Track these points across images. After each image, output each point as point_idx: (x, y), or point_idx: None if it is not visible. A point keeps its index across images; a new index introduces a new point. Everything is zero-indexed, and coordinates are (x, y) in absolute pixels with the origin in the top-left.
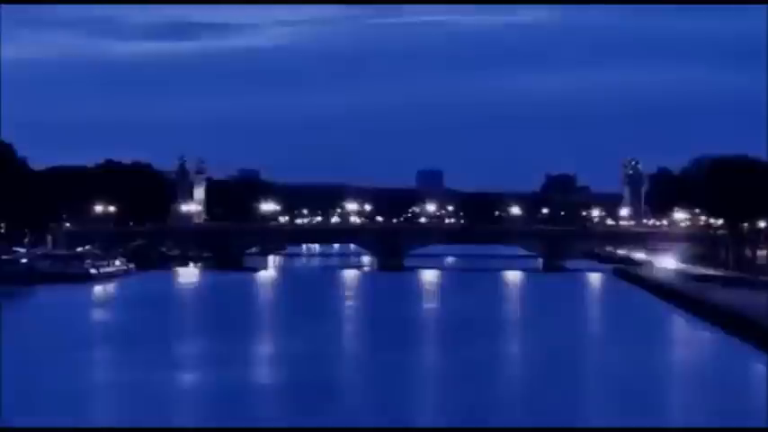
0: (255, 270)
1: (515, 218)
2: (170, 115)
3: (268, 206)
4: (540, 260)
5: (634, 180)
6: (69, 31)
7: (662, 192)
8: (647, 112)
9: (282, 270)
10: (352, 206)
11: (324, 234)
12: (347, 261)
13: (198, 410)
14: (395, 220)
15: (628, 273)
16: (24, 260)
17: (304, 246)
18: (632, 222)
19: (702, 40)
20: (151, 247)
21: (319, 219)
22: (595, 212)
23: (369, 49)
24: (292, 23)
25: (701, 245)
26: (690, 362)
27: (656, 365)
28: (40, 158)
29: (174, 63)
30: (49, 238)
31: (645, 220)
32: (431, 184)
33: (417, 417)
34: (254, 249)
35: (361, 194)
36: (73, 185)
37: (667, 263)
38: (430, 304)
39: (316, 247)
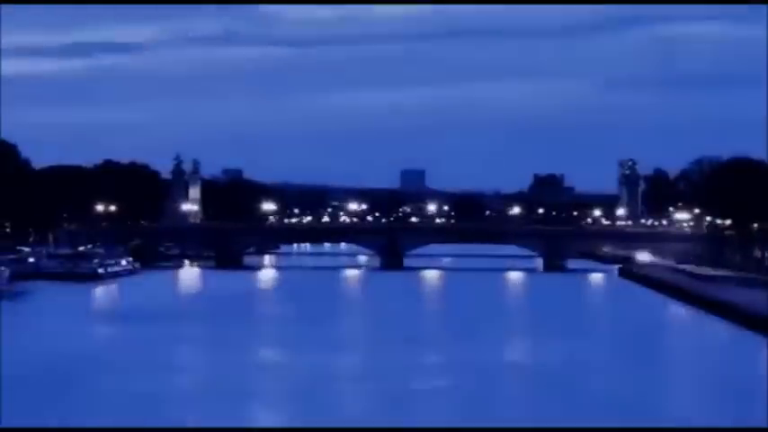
0: (257, 269)
1: (510, 217)
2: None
3: (269, 206)
4: (540, 260)
5: (631, 180)
6: None
7: (661, 192)
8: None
9: (286, 270)
10: (353, 206)
11: (324, 234)
12: (346, 261)
13: None
14: (384, 221)
15: (637, 274)
16: (32, 259)
17: (294, 245)
18: (629, 222)
19: None
20: (152, 246)
21: (309, 219)
22: (593, 213)
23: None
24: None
25: (706, 245)
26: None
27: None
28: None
29: None
30: (51, 237)
31: (642, 221)
32: (414, 184)
33: None
34: (250, 249)
35: (347, 195)
36: (72, 185)
37: (671, 263)
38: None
39: (307, 246)
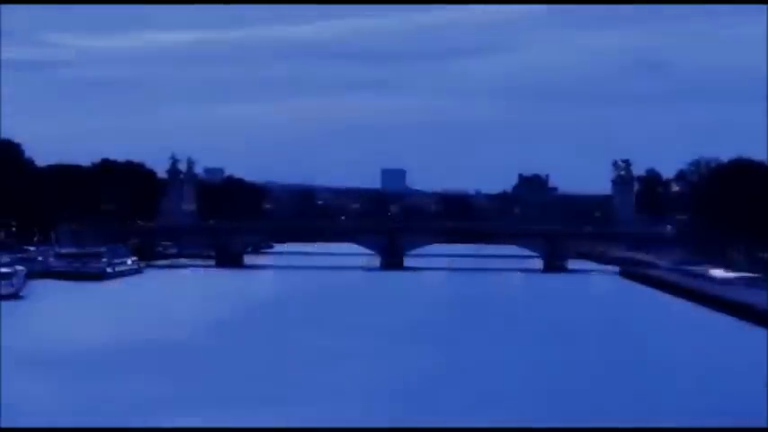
0: (259, 269)
1: (500, 217)
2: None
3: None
4: (541, 260)
5: (626, 181)
6: None
7: (655, 193)
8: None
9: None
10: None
11: (324, 233)
12: (345, 260)
13: None
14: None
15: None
16: (40, 258)
17: (286, 245)
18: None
19: None
20: (152, 245)
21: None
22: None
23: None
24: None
25: (708, 247)
26: None
27: None
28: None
29: None
30: (53, 236)
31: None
32: (395, 183)
33: None
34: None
35: (334, 194)
36: (72, 184)
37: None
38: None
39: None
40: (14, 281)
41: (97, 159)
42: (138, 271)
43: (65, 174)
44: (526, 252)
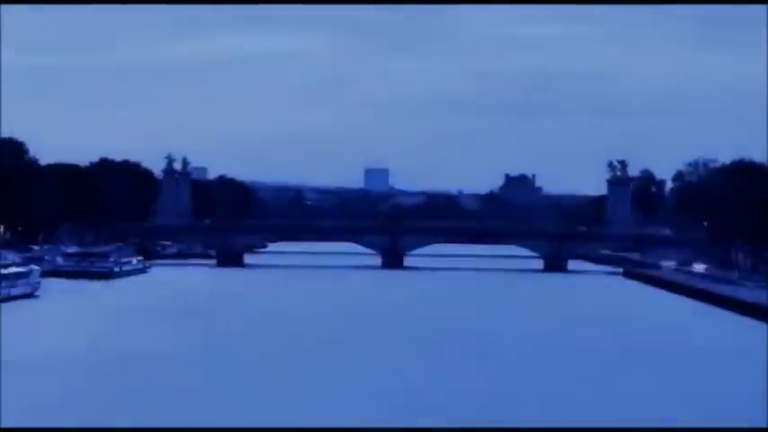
0: (262, 268)
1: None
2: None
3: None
4: (542, 261)
5: (622, 182)
6: None
7: (651, 194)
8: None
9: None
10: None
11: (324, 233)
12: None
13: None
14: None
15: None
16: (47, 258)
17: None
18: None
19: None
20: (153, 244)
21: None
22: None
23: None
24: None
25: (710, 248)
26: None
27: None
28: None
29: None
30: (56, 235)
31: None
32: (378, 183)
33: None
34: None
35: (319, 194)
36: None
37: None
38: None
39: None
40: (30, 280)
41: (95, 158)
42: (143, 270)
43: (65, 173)
44: (525, 252)
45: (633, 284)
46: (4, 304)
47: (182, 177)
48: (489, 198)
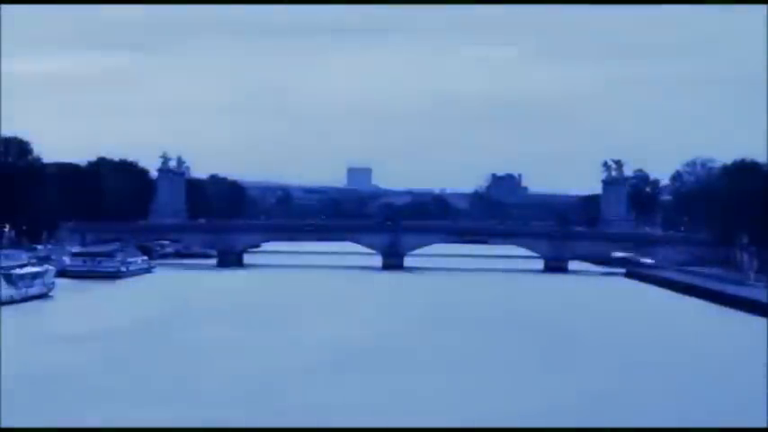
0: (265, 268)
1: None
2: None
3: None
4: (542, 261)
5: (617, 181)
6: None
7: (645, 194)
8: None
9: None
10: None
11: (324, 232)
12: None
13: None
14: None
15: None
16: (54, 257)
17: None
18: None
19: None
20: (152, 244)
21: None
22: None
23: None
24: None
25: (712, 248)
26: None
27: None
28: None
29: None
30: (59, 234)
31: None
32: (361, 182)
33: None
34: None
35: (307, 193)
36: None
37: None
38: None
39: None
40: (45, 280)
41: (89, 157)
42: (148, 270)
43: (65, 172)
44: (524, 252)
45: (639, 285)
46: (22, 305)
47: (177, 176)
48: (477, 197)
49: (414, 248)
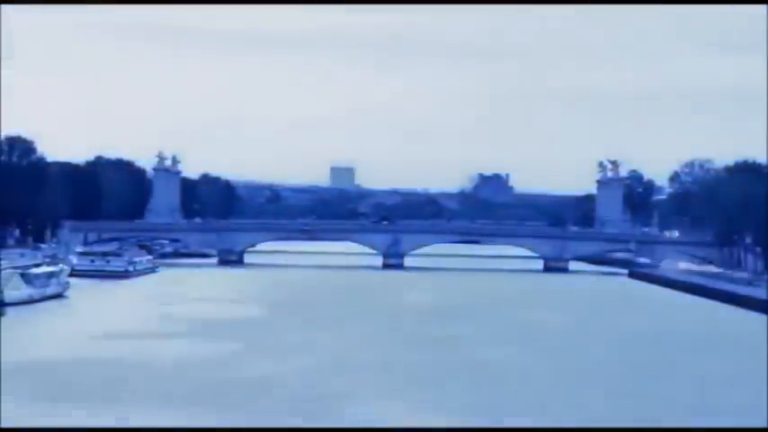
0: (268, 267)
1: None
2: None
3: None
4: (542, 261)
5: (613, 182)
6: None
7: (640, 194)
8: None
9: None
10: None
11: (326, 232)
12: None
13: None
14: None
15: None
16: (61, 256)
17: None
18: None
19: None
20: (153, 243)
21: None
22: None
23: None
24: None
25: (714, 249)
26: None
27: None
28: None
29: None
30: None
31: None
32: (344, 181)
33: None
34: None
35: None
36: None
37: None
38: None
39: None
40: (60, 279)
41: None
42: (153, 270)
43: (66, 171)
44: (523, 252)
45: (644, 286)
46: (40, 304)
47: (172, 175)
48: (466, 197)
49: (414, 248)
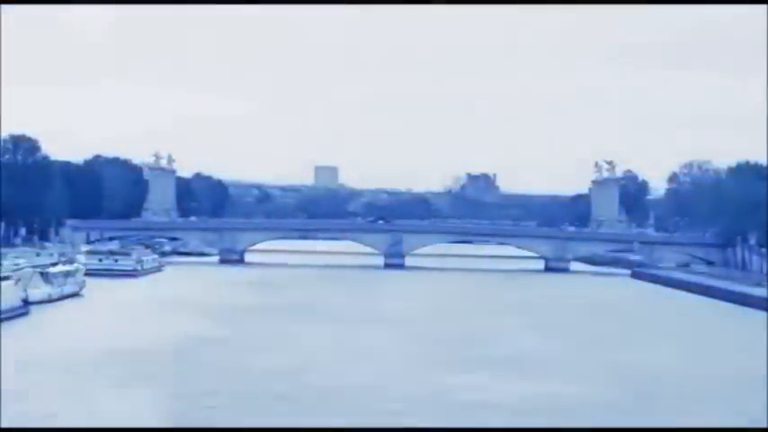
0: (269, 266)
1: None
2: None
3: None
4: (543, 261)
5: (609, 182)
6: None
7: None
8: None
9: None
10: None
11: (325, 231)
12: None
13: None
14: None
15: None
16: (69, 255)
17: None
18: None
19: None
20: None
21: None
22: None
23: None
24: None
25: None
26: None
27: None
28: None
29: None
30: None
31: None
32: (328, 180)
33: None
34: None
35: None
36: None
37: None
38: None
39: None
40: (77, 278)
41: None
42: (159, 269)
43: (67, 170)
44: (523, 252)
45: (649, 287)
46: (59, 303)
47: (168, 174)
48: (455, 197)
49: (415, 248)
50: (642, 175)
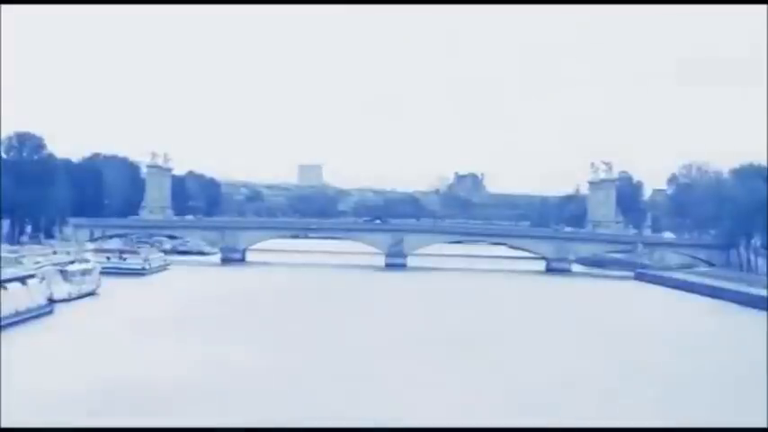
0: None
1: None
2: None
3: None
4: (544, 262)
5: (605, 183)
6: None
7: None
8: None
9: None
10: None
11: (326, 231)
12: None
13: None
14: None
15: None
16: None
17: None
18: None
19: None
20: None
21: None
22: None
23: None
24: None
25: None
26: None
27: None
28: None
29: None
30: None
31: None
32: (313, 180)
33: None
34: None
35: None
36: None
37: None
38: None
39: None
40: (93, 276)
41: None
42: (165, 267)
43: (69, 168)
44: (523, 253)
45: (655, 288)
46: (79, 301)
47: (165, 173)
48: (447, 196)
49: (415, 248)
50: (637, 176)
